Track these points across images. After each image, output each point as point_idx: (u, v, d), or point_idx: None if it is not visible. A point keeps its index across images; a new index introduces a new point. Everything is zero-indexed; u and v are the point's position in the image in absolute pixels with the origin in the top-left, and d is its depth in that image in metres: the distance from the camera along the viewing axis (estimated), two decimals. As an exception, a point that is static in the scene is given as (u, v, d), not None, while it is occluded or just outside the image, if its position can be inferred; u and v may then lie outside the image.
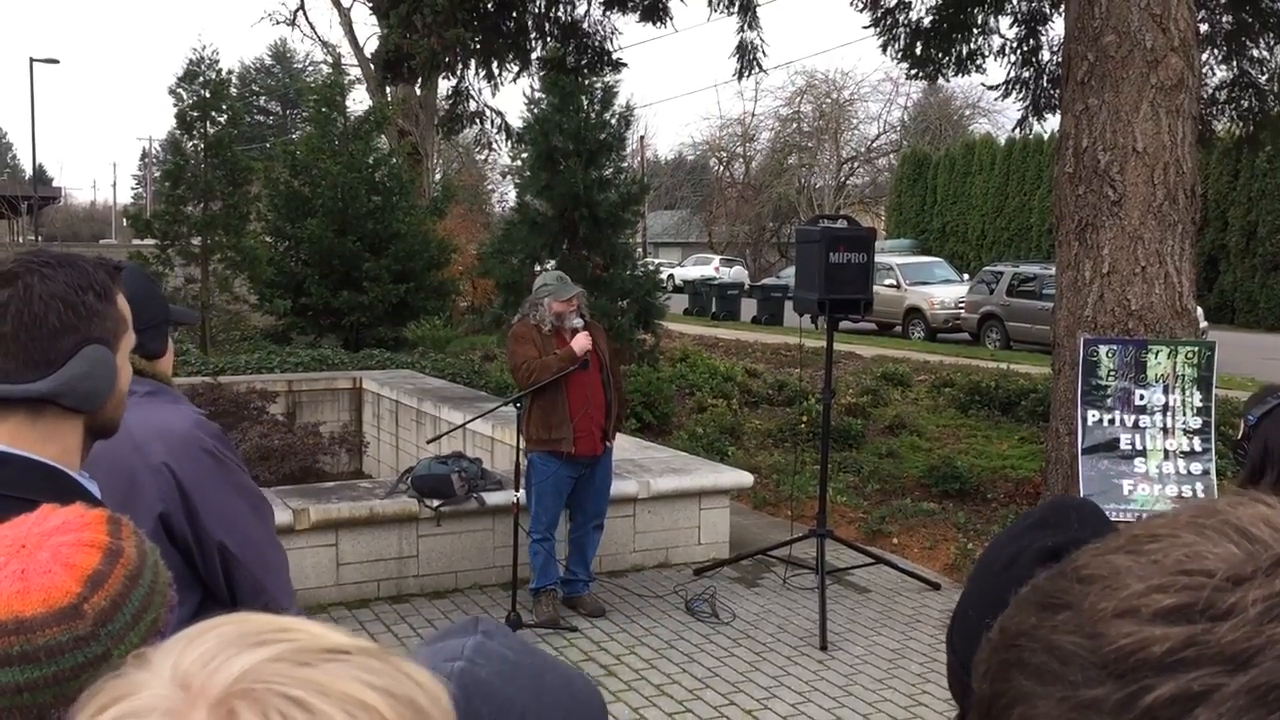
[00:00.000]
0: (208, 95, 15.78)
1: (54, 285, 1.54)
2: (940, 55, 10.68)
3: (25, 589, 1.02)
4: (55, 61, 35.90)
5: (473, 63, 9.78)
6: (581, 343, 5.94)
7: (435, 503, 6.45)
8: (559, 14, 9.95)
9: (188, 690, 0.59)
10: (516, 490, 6.00)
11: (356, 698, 0.59)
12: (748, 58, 10.17)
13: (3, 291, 1.52)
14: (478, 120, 10.98)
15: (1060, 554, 0.62)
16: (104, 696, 0.62)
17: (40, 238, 40.69)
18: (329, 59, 30.57)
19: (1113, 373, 6.09)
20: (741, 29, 10.08)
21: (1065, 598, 0.57)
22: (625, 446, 7.91)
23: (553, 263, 12.82)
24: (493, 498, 6.56)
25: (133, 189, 77.02)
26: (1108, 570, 0.56)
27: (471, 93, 10.60)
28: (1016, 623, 0.59)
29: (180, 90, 15.88)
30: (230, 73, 17.09)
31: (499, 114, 11.76)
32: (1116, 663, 0.52)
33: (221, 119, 16.00)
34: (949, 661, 1.14)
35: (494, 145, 13.25)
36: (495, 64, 9.77)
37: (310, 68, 52.93)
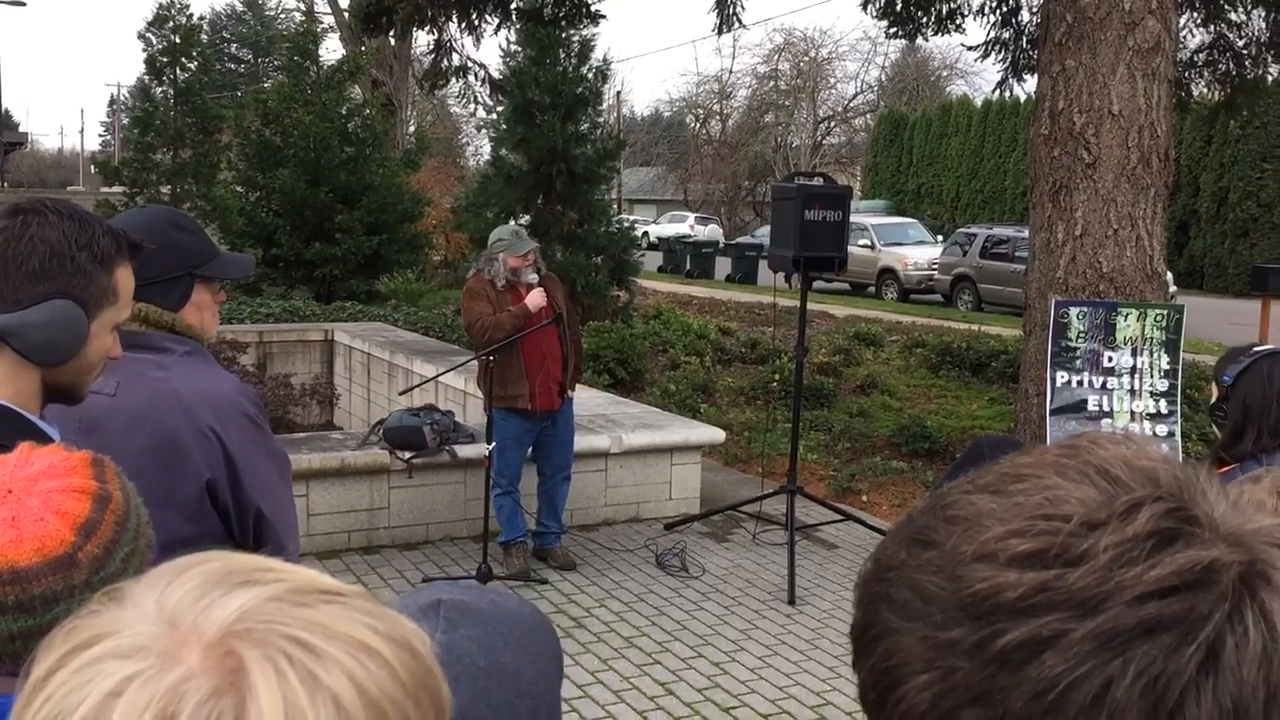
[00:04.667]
0: (178, 41, 15.53)
1: (49, 231, 1.52)
2: (920, 14, 10.64)
3: (19, 538, 1.02)
4: (22, 4, 35.06)
5: (454, 15, 9.64)
6: (535, 299, 5.87)
7: (407, 455, 6.44)
8: (537, -36, 9.82)
9: (177, 629, 0.55)
10: (488, 443, 5.99)
11: (360, 640, 0.57)
12: (727, 12, 10.08)
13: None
14: (461, 74, 10.83)
15: None
16: (81, 634, 0.57)
17: (6, 184, 40.05)
18: (302, 6, 30.14)
19: (1082, 335, 6.14)
20: (721, -17, 9.99)
21: (932, 535, 0.58)
22: (597, 401, 7.92)
23: (526, 218, 12.74)
24: (464, 450, 6.55)
25: (101, 136, 75.87)
26: (971, 512, 0.57)
27: (455, 46, 10.45)
28: (888, 555, 0.61)
29: (150, 35, 15.66)
30: (201, 19, 16.84)
31: (482, 66, 11.60)
32: (973, 606, 0.54)
33: (192, 65, 15.76)
34: None
35: (479, 99, 13.07)
36: (475, 16, 9.64)
37: (283, 15, 52.15)
